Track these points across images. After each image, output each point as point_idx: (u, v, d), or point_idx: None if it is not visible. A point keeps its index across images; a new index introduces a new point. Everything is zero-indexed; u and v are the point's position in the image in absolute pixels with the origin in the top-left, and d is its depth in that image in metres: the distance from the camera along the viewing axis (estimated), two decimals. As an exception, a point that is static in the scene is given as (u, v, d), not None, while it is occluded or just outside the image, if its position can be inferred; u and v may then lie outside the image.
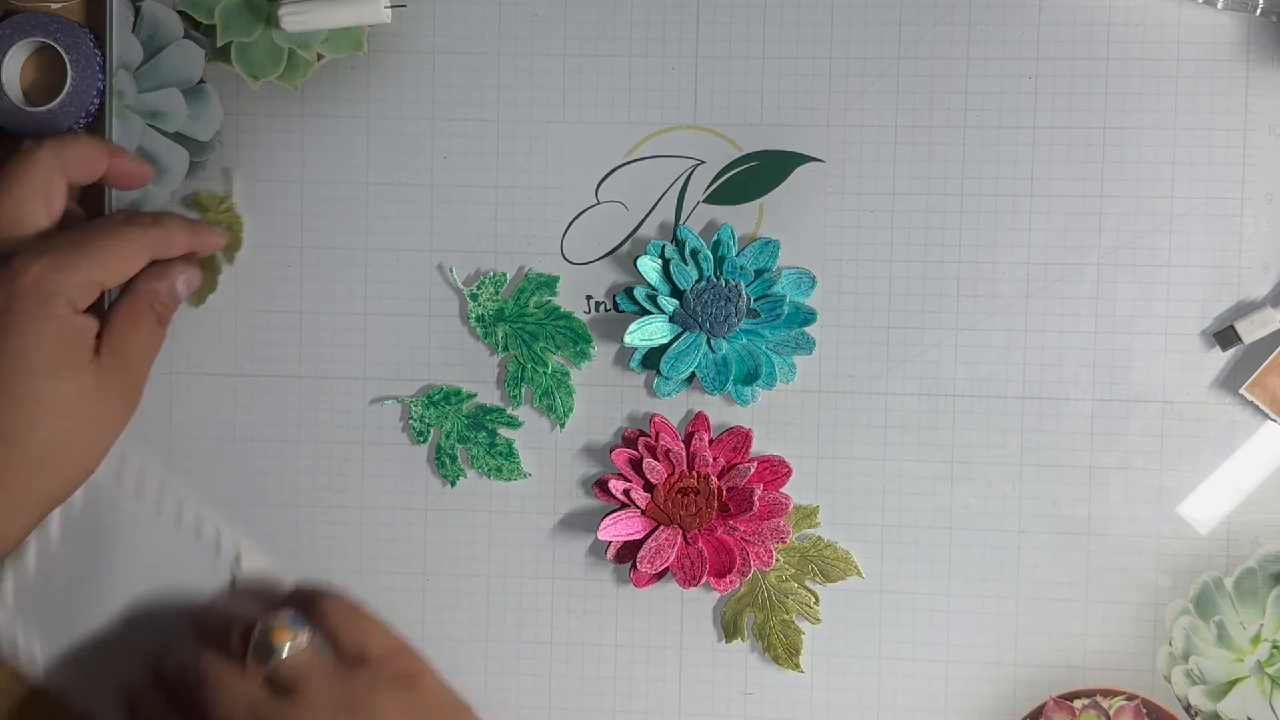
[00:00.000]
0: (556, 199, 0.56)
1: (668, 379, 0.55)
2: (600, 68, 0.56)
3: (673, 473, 0.55)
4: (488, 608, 0.57)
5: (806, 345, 0.55)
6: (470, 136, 0.57)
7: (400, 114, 0.57)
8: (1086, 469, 0.55)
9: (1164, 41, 0.54)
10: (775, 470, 0.55)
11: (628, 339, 0.55)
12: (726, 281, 0.54)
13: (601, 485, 0.56)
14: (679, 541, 0.55)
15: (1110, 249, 0.54)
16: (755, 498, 0.54)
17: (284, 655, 0.48)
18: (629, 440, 0.56)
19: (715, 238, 0.55)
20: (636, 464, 0.55)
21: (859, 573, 0.55)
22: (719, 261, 0.55)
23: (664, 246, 0.55)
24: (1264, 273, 0.54)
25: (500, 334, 0.56)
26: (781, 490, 0.55)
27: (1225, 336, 0.54)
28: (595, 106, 0.56)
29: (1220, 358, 0.54)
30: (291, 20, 0.55)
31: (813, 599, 0.55)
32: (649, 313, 0.55)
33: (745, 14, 0.56)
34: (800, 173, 0.56)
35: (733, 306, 0.54)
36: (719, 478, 0.55)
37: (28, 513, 0.48)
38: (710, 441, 0.55)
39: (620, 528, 0.55)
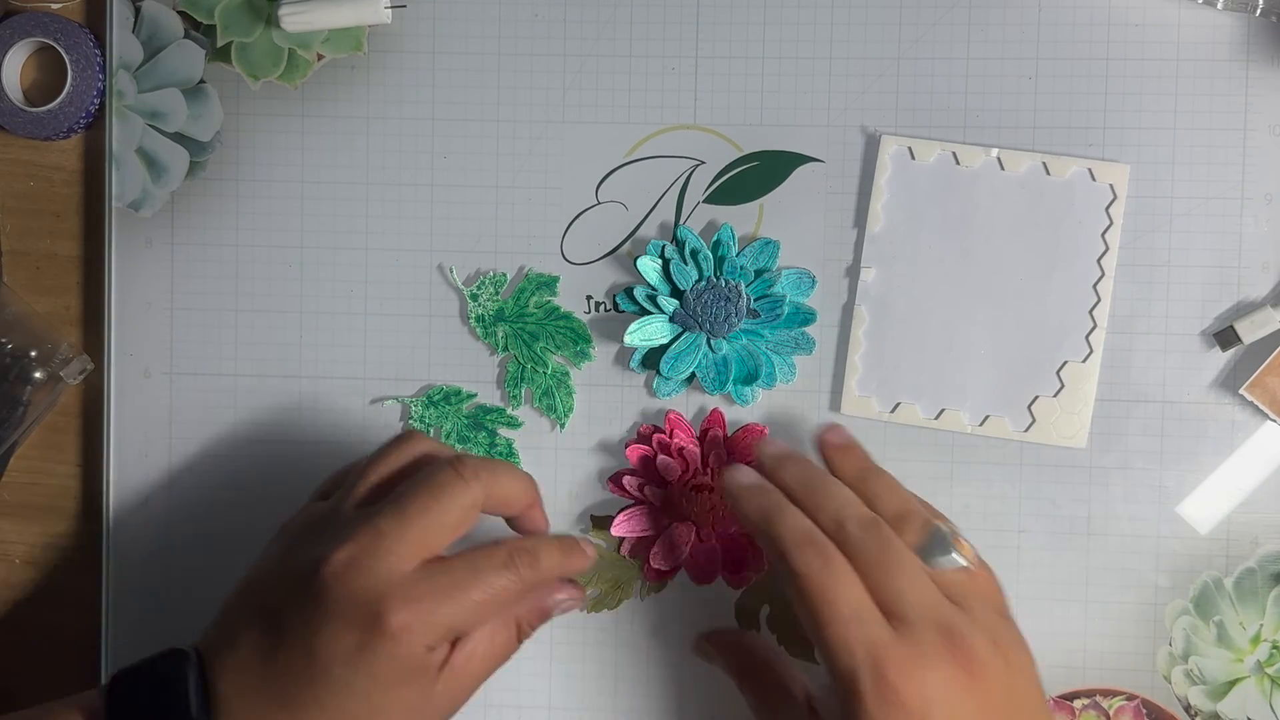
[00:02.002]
0: (556, 199, 0.56)
1: (668, 379, 0.55)
2: (600, 68, 0.56)
3: (686, 470, 0.55)
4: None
5: (806, 345, 0.55)
6: (470, 136, 0.57)
7: (400, 114, 0.57)
8: (1086, 469, 0.55)
9: (1164, 41, 0.54)
10: None
11: (628, 339, 0.55)
12: (726, 281, 0.54)
13: (615, 480, 0.56)
14: (692, 538, 0.55)
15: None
16: None
17: (959, 564, 0.48)
18: (643, 436, 0.56)
19: (715, 238, 0.55)
20: (650, 461, 0.55)
21: None
22: (719, 261, 0.55)
23: (664, 246, 0.55)
24: (1264, 273, 0.54)
25: (500, 334, 0.56)
26: None
27: (1225, 337, 0.54)
28: (595, 106, 0.56)
29: (1220, 358, 0.54)
30: (291, 20, 0.55)
31: None
32: (649, 313, 0.55)
33: (745, 14, 0.56)
34: (800, 173, 0.56)
35: (733, 306, 0.54)
36: None
37: None
38: (725, 438, 0.55)
39: (634, 524, 0.55)
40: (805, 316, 0.55)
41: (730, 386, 0.55)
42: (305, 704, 0.45)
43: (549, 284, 0.56)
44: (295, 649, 0.45)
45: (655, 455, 0.55)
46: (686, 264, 0.55)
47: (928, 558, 0.47)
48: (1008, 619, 0.48)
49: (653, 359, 0.55)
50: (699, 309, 0.54)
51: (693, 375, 0.55)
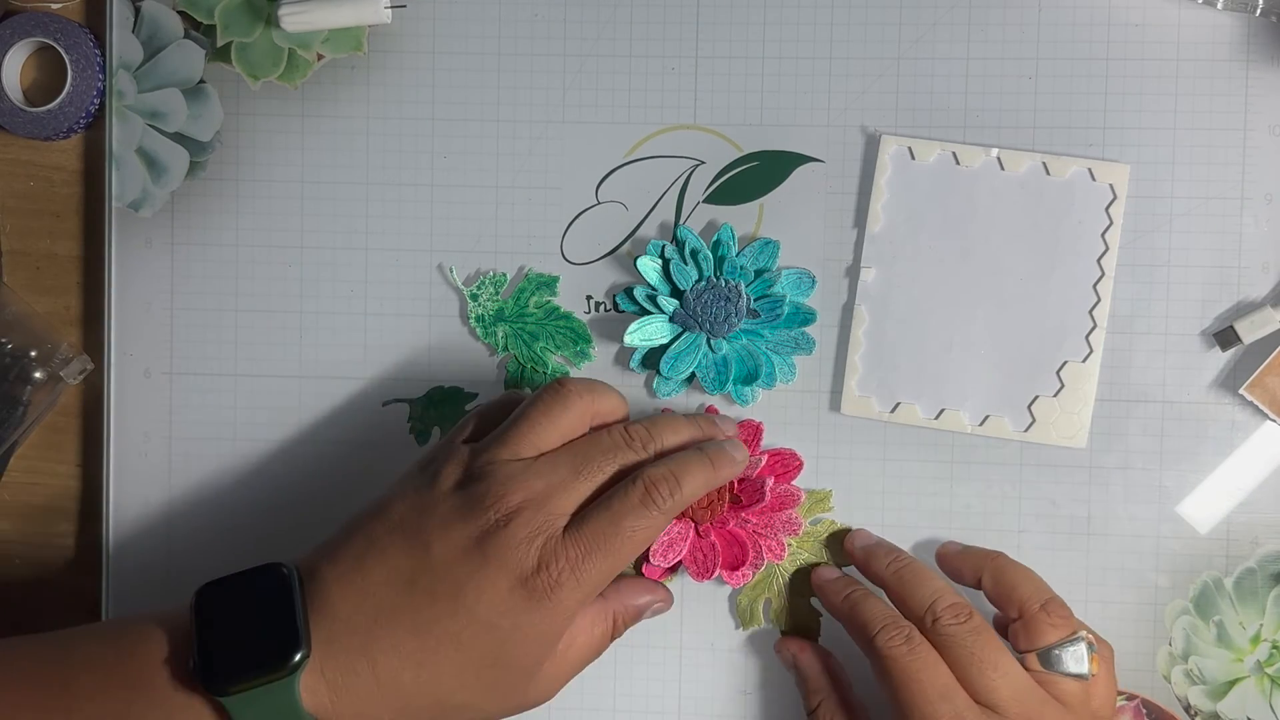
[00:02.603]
0: (556, 199, 0.56)
1: (668, 379, 0.55)
2: (600, 68, 0.56)
3: None
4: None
5: (806, 345, 0.55)
6: (470, 136, 0.57)
7: (400, 114, 0.57)
8: (1086, 469, 0.55)
9: (1164, 41, 0.54)
10: (786, 463, 0.55)
11: (628, 339, 0.55)
12: (726, 281, 0.54)
13: None
14: (691, 535, 0.55)
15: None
16: (767, 490, 0.54)
17: (1084, 675, 0.49)
18: None
19: (715, 238, 0.55)
20: None
21: None
22: (719, 261, 0.55)
23: (664, 246, 0.55)
24: (1263, 273, 0.54)
25: (500, 334, 0.56)
26: (793, 483, 0.55)
27: (1225, 336, 0.54)
28: (595, 106, 0.56)
29: (1220, 358, 0.54)
30: (291, 20, 0.55)
31: None
32: (649, 313, 0.55)
33: (745, 14, 0.56)
34: (800, 173, 0.56)
35: (733, 306, 0.54)
36: None
37: None
38: None
39: None
40: (805, 316, 0.55)
41: (730, 386, 0.55)
42: (439, 636, 0.45)
43: (549, 284, 0.56)
44: (442, 586, 0.45)
45: None
46: (686, 264, 0.55)
47: (1057, 661, 0.49)
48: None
49: (653, 359, 0.55)
50: (699, 309, 0.54)
51: (693, 375, 0.55)
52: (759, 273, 0.55)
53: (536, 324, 0.56)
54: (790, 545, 0.55)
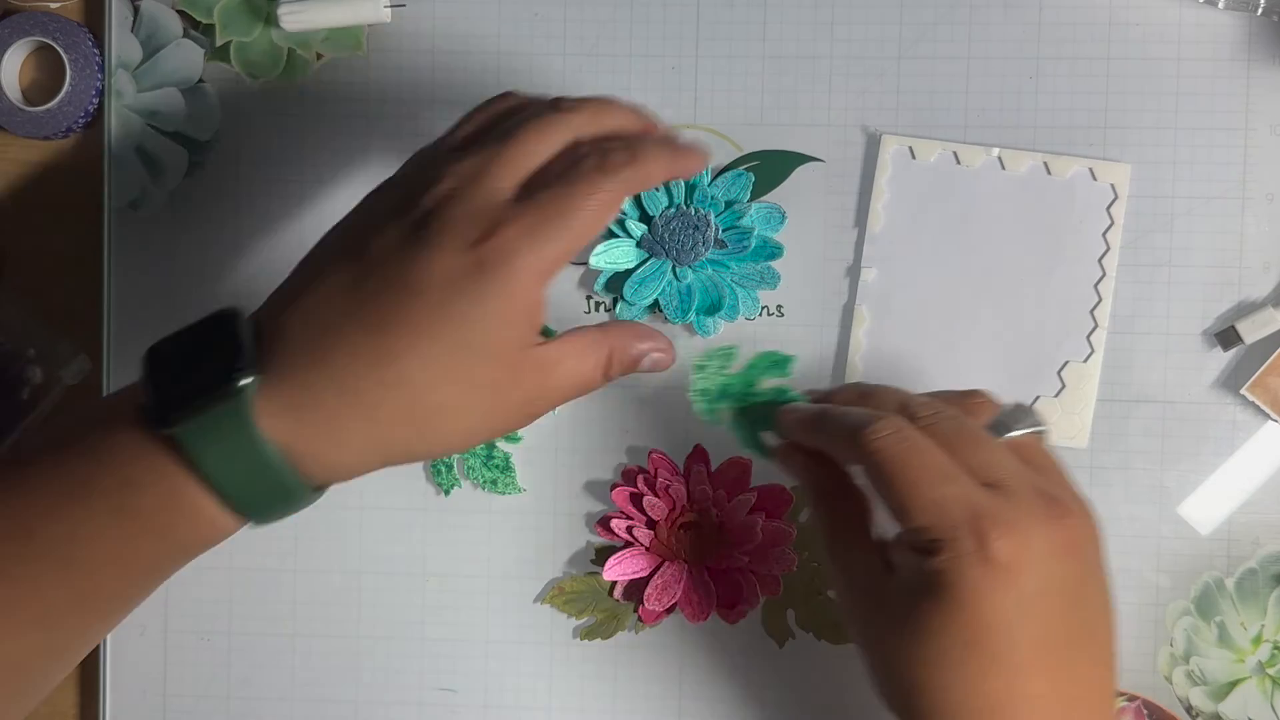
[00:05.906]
0: (556, 199, 0.56)
1: (630, 304, 0.55)
2: (600, 68, 0.56)
3: (674, 508, 0.55)
4: (488, 609, 0.57)
5: (771, 280, 0.55)
6: (470, 136, 0.57)
7: (400, 114, 0.57)
8: (1087, 469, 0.55)
9: (1164, 41, 0.54)
10: (776, 499, 0.55)
11: (593, 261, 0.55)
12: (696, 210, 0.54)
13: (604, 524, 0.56)
14: (685, 577, 0.55)
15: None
16: (758, 528, 0.54)
17: (1040, 427, 0.46)
18: (628, 477, 0.56)
19: None
20: (637, 500, 0.55)
21: None
22: (690, 189, 0.54)
23: None
24: (1265, 273, 0.54)
25: (724, 412, 0.52)
26: (784, 519, 0.55)
27: (1226, 337, 0.54)
28: (595, 106, 0.56)
29: (1221, 358, 0.54)
30: (291, 19, 0.55)
31: None
32: (616, 236, 0.55)
33: (745, 14, 0.56)
34: (800, 173, 0.56)
35: (700, 235, 0.54)
36: (720, 510, 0.55)
37: (375, 458, 0.44)
38: (709, 474, 0.55)
39: (626, 566, 0.55)
40: (772, 250, 0.54)
41: (693, 316, 0.54)
42: (394, 326, 0.42)
43: (782, 363, 0.53)
44: (387, 273, 0.43)
45: (642, 495, 0.55)
46: (657, 189, 0.55)
47: (1011, 423, 0.46)
48: (1068, 476, 0.46)
49: (617, 284, 0.55)
50: (666, 235, 0.54)
51: (656, 303, 0.55)
52: (729, 203, 0.54)
53: (764, 405, 0.51)
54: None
